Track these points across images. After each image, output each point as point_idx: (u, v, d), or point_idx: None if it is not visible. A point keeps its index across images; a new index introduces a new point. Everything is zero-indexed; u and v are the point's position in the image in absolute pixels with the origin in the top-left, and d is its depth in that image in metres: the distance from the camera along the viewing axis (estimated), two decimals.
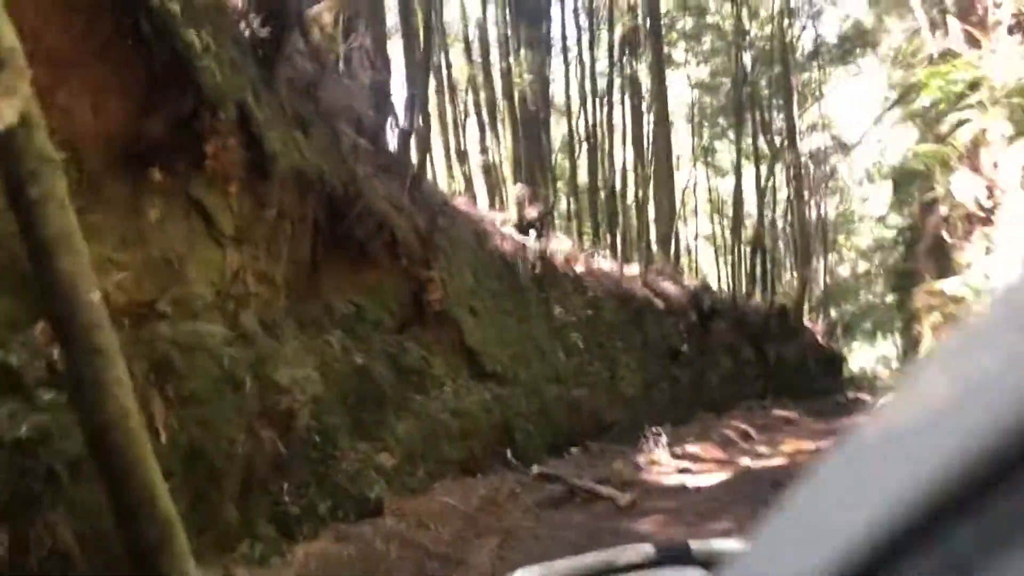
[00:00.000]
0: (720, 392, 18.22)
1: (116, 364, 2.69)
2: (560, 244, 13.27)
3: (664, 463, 12.82)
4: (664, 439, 13.44)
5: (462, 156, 13.70)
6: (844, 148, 33.61)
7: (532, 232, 11.94)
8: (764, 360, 20.50)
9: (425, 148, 10.11)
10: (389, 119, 9.25)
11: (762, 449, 15.95)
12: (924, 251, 15.44)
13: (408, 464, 7.26)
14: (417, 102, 9.66)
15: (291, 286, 6.61)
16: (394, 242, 8.12)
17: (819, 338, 24.63)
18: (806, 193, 26.05)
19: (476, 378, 9.33)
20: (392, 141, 9.13)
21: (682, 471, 11.93)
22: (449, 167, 13.50)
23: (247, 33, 5.65)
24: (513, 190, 12.87)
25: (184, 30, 4.49)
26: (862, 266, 39.38)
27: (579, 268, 13.54)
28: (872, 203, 38.07)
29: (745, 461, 13.36)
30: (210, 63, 4.78)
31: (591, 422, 12.63)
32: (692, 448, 14.69)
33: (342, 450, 6.18)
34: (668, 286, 17.11)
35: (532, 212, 12.17)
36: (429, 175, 11.06)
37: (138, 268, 4.45)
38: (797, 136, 25.54)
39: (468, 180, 13.30)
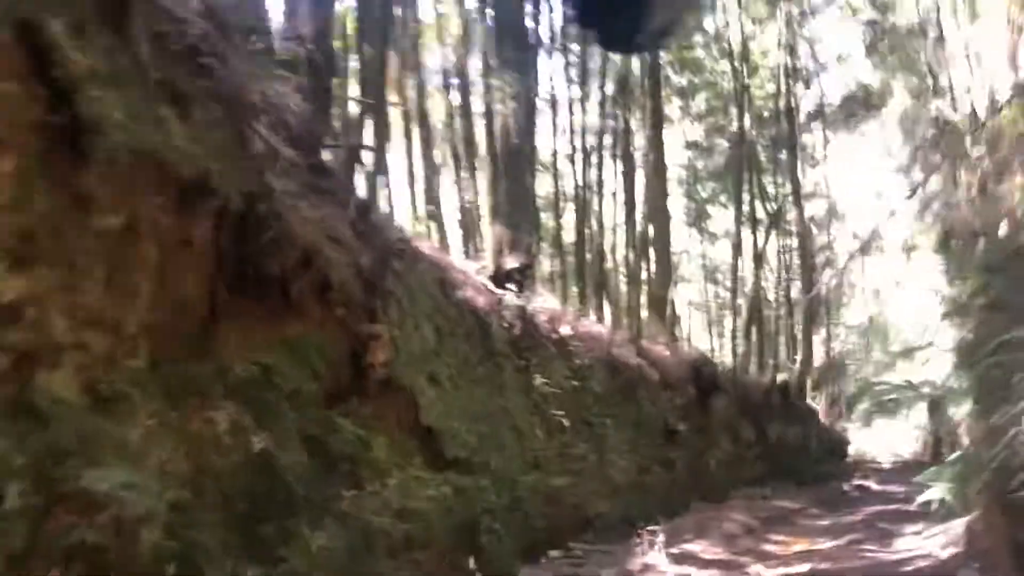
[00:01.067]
0: (719, 478, 16.14)
1: None
2: (544, 302, 11.34)
3: (661, 569, 10.70)
4: (660, 537, 11.32)
5: (431, 195, 11.77)
6: (839, 216, 32.21)
7: (511, 286, 10.02)
8: (765, 441, 18.49)
9: (379, 170, 8.19)
10: (331, 128, 7.40)
11: (769, 548, 13.82)
12: None
13: None
14: (373, 113, 7.83)
15: (164, 338, 4.60)
16: (327, 284, 6.15)
17: (822, 418, 22.68)
18: (808, 262, 24.35)
19: (433, 465, 7.25)
20: (335, 159, 7.25)
21: None
22: (414, 206, 11.56)
23: None
24: (490, 234, 10.97)
25: None
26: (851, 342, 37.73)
27: (565, 330, 11.58)
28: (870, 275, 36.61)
29: (755, 568, 11.25)
30: None
31: (575, 517, 10.52)
32: (692, 547, 12.54)
33: None
34: (664, 355, 15.16)
35: (512, 262, 10.26)
36: (385, 207, 9.14)
37: None
38: (799, 201, 23.97)
39: (438, 222, 11.33)
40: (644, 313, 16.44)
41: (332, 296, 6.17)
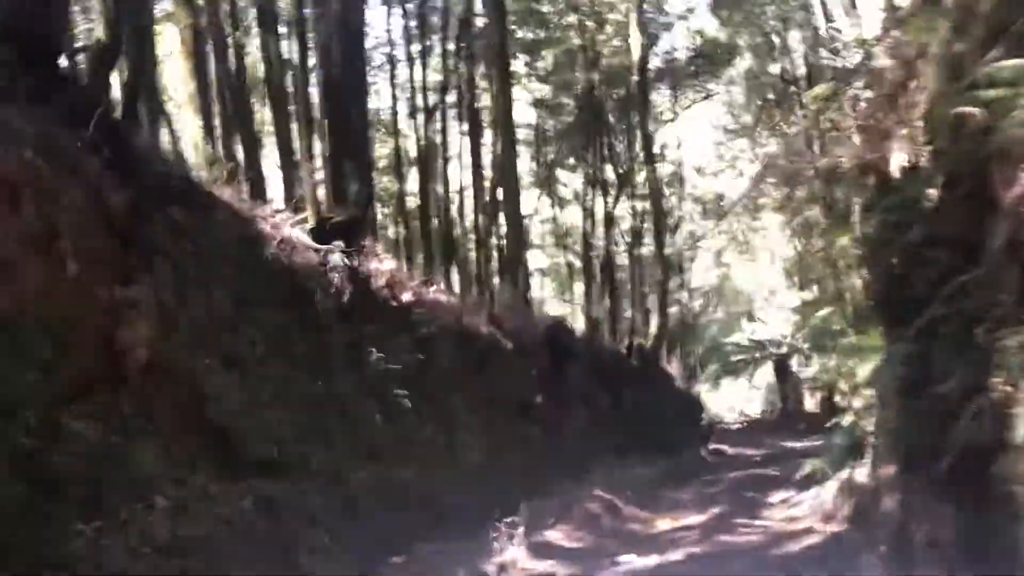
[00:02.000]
0: (577, 451, 15.04)
1: None
2: (381, 264, 9.68)
3: (523, 566, 9.38)
4: (520, 528, 10.01)
5: (239, 136, 9.75)
6: (681, 180, 32.05)
7: (339, 243, 8.28)
8: (622, 408, 17.59)
9: (138, 76, 6.22)
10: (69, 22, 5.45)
11: (635, 528, 12.80)
12: None
13: None
14: (135, 10, 5.86)
15: None
16: (52, 231, 4.28)
17: (677, 382, 22.15)
18: (660, 224, 23.66)
19: (227, 473, 5.51)
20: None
21: None
22: (212, 144, 9.51)
23: None
24: (311, 182, 9.12)
25: None
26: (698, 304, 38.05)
27: (406, 296, 9.97)
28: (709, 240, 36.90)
29: (624, 557, 10.15)
30: None
31: (423, 513, 8.99)
32: (554, 534, 11.31)
33: None
34: (517, 323, 13.82)
35: (340, 214, 8.52)
36: (161, 139, 7.13)
37: None
38: (651, 161, 23.19)
39: (250, 168, 9.35)
40: (495, 279, 15.05)
41: (61, 247, 4.31)
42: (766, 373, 36.04)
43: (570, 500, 13.08)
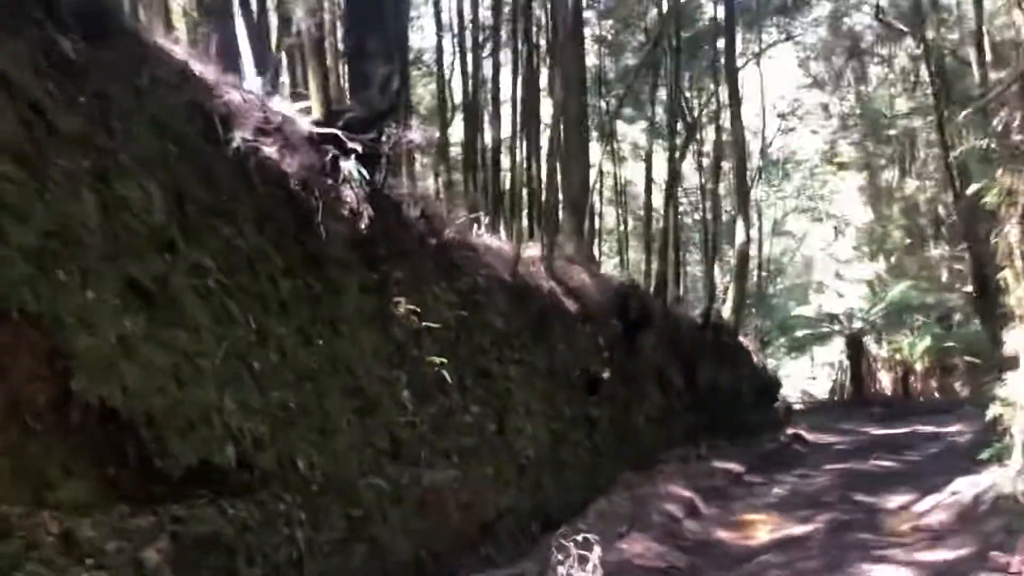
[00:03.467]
0: (648, 438, 12.51)
1: None
2: (416, 189, 7.17)
3: None
4: (592, 543, 7.53)
5: None
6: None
7: (356, 147, 5.77)
8: (696, 388, 14.99)
9: None
10: None
11: (725, 537, 10.27)
12: None
13: None
14: None
15: None
16: None
17: (755, 358, 19.43)
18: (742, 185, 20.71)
19: (128, 496, 3.02)
20: None
21: None
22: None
23: None
24: (319, 62, 6.52)
25: None
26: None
27: (448, 234, 7.45)
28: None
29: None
30: None
31: (465, 525, 6.56)
32: (629, 547, 8.82)
33: None
34: (583, 280, 11.25)
35: (360, 108, 6.00)
36: None
37: None
38: (734, 103, 20.21)
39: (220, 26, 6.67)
40: (560, 221, 12.45)
41: None
42: (832, 351, 33.13)
43: (644, 499, 10.59)
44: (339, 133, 5.75)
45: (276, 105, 5.39)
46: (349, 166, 5.78)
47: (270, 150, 5.13)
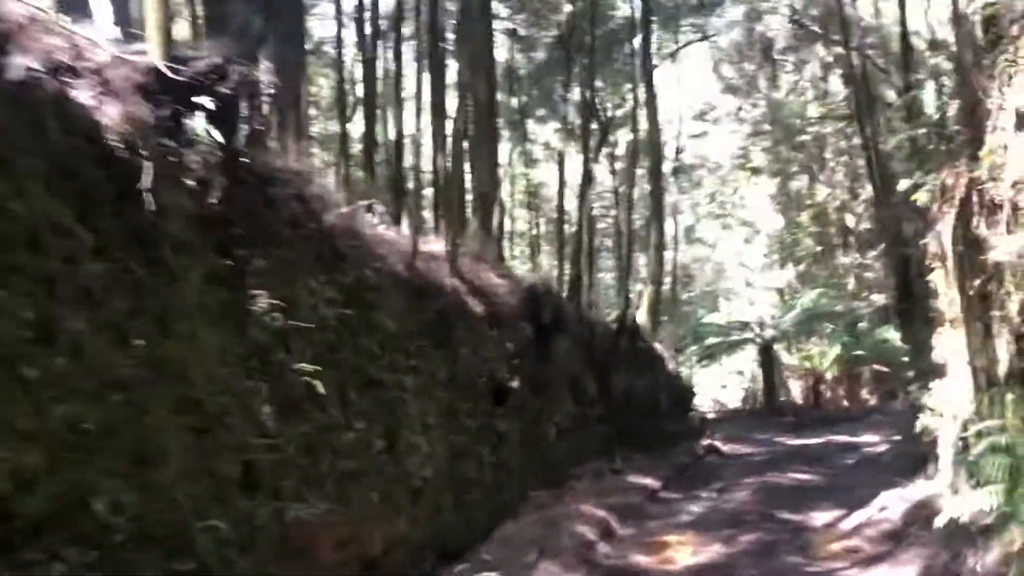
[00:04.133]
0: (560, 451, 11.58)
1: None
2: (290, 156, 6.04)
3: None
4: None
5: None
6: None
7: (207, 102, 4.62)
8: (610, 397, 14.15)
9: None
10: None
11: (643, 561, 9.39)
12: None
13: None
14: None
15: None
16: None
17: (670, 365, 18.75)
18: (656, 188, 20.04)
19: None
20: None
21: None
22: None
23: None
24: None
25: None
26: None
27: (330, 219, 6.33)
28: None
29: None
30: None
31: (341, 567, 5.43)
32: None
33: None
34: (492, 279, 10.25)
35: (212, 56, 4.84)
36: None
37: None
38: (650, 103, 19.55)
39: None
40: (467, 215, 11.39)
41: None
42: (743, 359, 32.98)
43: (555, 519, 9.62)
44: (183, 82, 4.59)
45: (93, 37, 4.19)
46: (196, 124, 4.62)
47: (80, 94, 3.94)
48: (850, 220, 30.41)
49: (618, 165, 25.33)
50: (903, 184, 10.17)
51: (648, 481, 12.90)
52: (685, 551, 9.46)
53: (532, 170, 25.90)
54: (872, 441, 19.04)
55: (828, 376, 28.69)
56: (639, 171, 21.70)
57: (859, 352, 27.71)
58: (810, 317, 27.10)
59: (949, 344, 10.38)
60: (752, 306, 29.98)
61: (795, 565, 8.30)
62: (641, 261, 23.89)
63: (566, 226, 20.74)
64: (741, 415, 27.86)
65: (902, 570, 7.68)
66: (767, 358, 27.46)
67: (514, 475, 9.63)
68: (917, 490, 11.09)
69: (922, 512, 9.69)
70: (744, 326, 27.69)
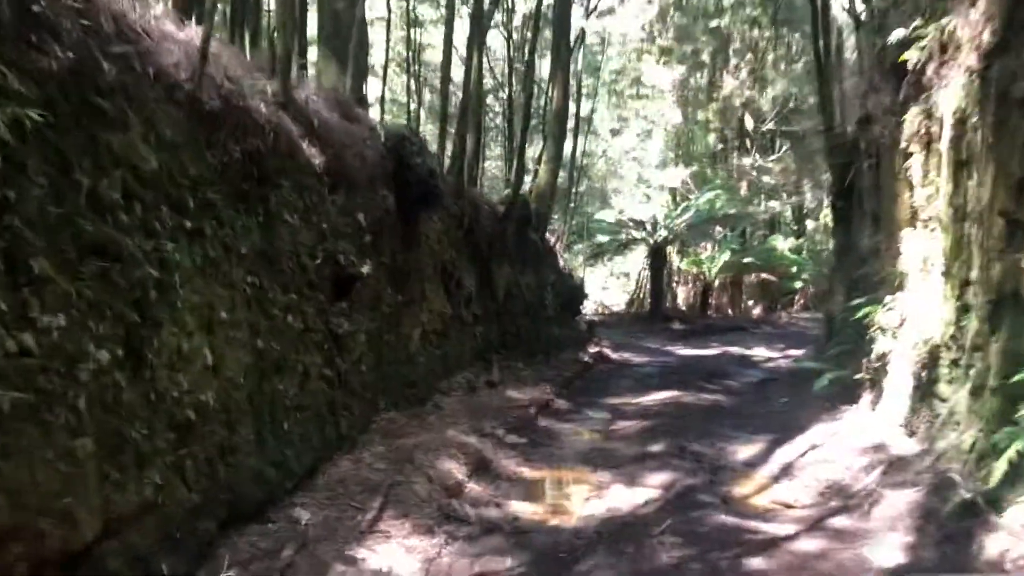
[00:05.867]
0: (425, 361, 9.11)
1: None
2: None
3: None
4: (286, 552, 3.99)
5: None
6: None
7: None
8: (491, 294, 11.73)
9: None
10: None
11: (521, 511, 7.04)
12: None
13: None
14: None
15: None
16: None
17: (561, 261, 16.38)
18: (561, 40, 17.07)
19: None
20: None
21: None
22: None
23: None
24: None
25: None
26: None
27: None
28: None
29: None
30: None
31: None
32: (377, 554, 5.43)
33: None
34: (343, 124, 7.42)
35: None
36: None
37: None
38: None
39: None
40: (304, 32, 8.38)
41: None
42: (629, 261, 31.35)
43: (411, 452, 7.20)
44: None
45: None
46: None
47: None
48: (748, 123, 28.71)
49: (516, 36, 22.42)
50: (898, 33, 7.84)
51: (532, 395, 10.66)
52: (579, 495, 7.26)
53: (417, 34, 22.60)
54: (769, 356, 17.57)
55: (715, 283, 27.38)
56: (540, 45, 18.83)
57: (748, 259, 26.51)
58: (705, 220, 25.45)
59: (917, 250, 8.41)
60: (644, 204, 28.04)
61: (722, 526, 6.18)
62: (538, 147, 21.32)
63: (454, 97, 17.81)
64: (626, 319, 26.18)
65: (877, 540, 5.64)
66: (658, 260, 25.69)
67: (358, 393, 7.10)
68: (854, 425, 9.29)
69: (873, 457, 7.83)
70: (639, 225, 25.75)
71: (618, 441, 9.34)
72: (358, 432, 7.02)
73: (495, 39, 22.49)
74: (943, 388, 7.42)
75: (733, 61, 28.75)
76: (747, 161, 28.12)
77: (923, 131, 7.76)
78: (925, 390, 7.71)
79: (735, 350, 18.51)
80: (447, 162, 11.21)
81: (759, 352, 18.08)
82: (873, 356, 8.86)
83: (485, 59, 18.41)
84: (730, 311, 27.64)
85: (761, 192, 29.39)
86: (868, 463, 7.42)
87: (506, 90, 19.49)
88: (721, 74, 28.38)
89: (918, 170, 8.02)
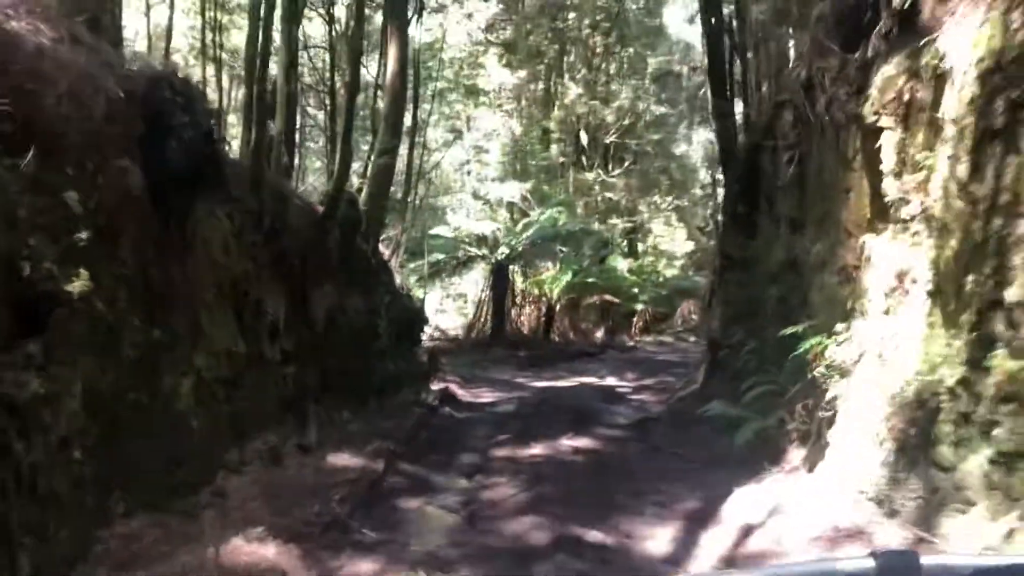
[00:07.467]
0: (201, 425, 6.10)
1: None
2: None
3: None
4: None
5: None
6: None
7: None
8: (308, 324, 8.80)
9: None
10: None
11: None
12: None
13: None
14: None
15: None
16: None
17: (398, 279, 13.46)
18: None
19: None
20: None
21: None
22: None
23: None
24: None
25: None
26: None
27: None
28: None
29: None
30: None
31: None
32: None
33: None
34: (53, 50, 4.40)
35: None
36: None
37: None
38: None
39: None
40: None
41: None
42: (467, 281, 28.88)
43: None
44: None
45: None
46: None
47: None
48: (583, 138, 27.25)
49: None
50: None
51: (362, 463, 7.77)
52: None
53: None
54: (630, 387, 15.58)
55: (558, 306, 25.47)
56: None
57: (591, 280, 24.86)
58: (550, 237, 23.47)
59: (889, 261, 6.36)
60: (483, 221, 25.67)
61: None
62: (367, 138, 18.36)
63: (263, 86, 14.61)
64: (466, 346, 23.58)
65: None
66: (500, 281, 23.36)
67: (62, 500, 4.08)
68: (794, 494, 7.10)
69: (837, 541, 5.61)
70: (480, 241, 23.37)
71: (484, 526, 6.69)
72: (61, 569, 3.98)
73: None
74: (945, 452, 5.31)
75: (578, 67, 27.33)
76: (589, 176, 26.49)
77: (905, 97, 5.69)
78: (913, 454, 5.59)
79: (590, 380, 16.46)
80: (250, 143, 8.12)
81: (616, 383, 16.10)
82: (822, 402, 6.70)
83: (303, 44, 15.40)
84: (572, 335, 25.80)
85: (601, 209, 27.92)
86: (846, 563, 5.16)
87: (328, 54, 16.17)
88: (563, 79, 26.75)
89: (891, 153, 5.94)
